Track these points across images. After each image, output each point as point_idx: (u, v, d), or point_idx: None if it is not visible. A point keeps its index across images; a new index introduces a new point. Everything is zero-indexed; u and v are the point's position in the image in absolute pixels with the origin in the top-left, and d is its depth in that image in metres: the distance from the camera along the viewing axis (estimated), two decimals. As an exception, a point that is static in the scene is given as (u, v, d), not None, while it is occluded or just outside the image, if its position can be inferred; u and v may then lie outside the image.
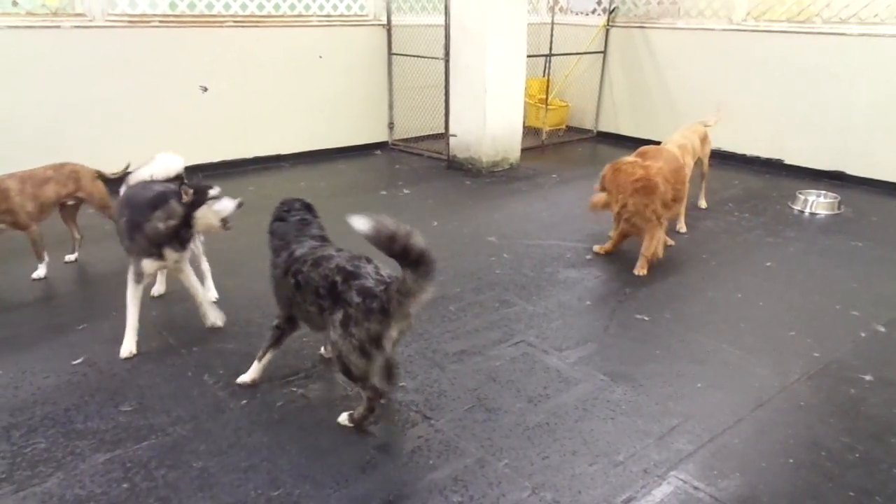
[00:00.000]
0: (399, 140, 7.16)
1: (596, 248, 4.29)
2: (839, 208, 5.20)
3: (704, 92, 6.84)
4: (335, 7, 6.50)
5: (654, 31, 7.21)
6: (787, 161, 6.40)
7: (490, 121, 6.04)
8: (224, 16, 5.82)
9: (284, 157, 6.41)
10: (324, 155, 6.63)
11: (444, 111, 6.43)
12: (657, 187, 3.84)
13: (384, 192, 5.53)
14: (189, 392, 2.61)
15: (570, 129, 8.15)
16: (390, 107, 7.06)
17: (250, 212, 4.83)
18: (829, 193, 5.33)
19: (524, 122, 6.88)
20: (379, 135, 7.10)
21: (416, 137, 7.18)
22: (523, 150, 6.54)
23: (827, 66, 5.96)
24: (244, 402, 2.56)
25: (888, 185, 5.75)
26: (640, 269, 3.92)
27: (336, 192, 5.49)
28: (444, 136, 6.50)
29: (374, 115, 7.00)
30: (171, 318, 3.24)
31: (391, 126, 7.13)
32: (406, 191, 5.57)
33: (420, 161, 6.63)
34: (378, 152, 6.96)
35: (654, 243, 3.92)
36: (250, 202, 5.06)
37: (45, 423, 2.41)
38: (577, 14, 8.00)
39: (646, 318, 3.37)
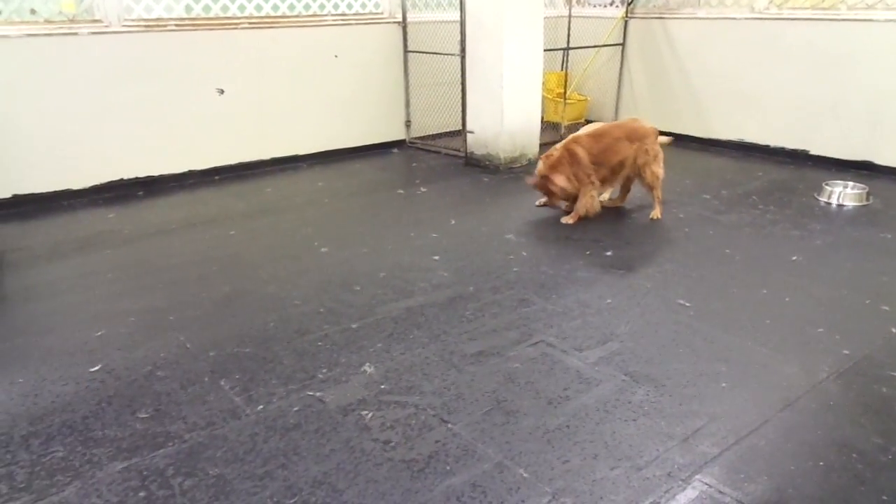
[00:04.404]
0: (416, 138, 7.12)
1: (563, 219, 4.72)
2: (868, 199, 5.06)
3: (726, 82, 6.71)
4: (350, 6, 6.48)
5: (674, 21, 7.08)
6: (813, 151, 6.24)
7: (507, 116, 5.98)
8: (239, 18, 5.82)
9: (302, 157, 6.40)
10: (341, 155, 6.62)
11: (461, 108, 6.38)
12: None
13: (401, 191, 5.50)
14: (205, 398, 2.60)
15: (589, 122, 8.04)
16: (407, 105, 7.02)
17: (266, 213, 4.90)
18: (857, 184, 5.18)
19: (542, 117, 6.79)
20: (396, 133, 7.07)
21: (433, 135, 7.14)
22: (542, 146, 6.47)
23: (853, 53, 5.79)
24: (260, 407, 2.55)
25: (919, 174, 5.60)
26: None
27: (354, 192, 5.48)
28: (461, 133, 6.45)
29: (390, 113, 6.97)
30: (189, 322, 3.23)
31: (408, 124, 7.09)
32: (423, 189, 5.54)
33: (437, 159, 6.59)
34: (395, 151, 6.94)
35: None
36: (267, 204, 5.14)
37: (64, 431, 2.41)
38: (594, 6, 7.88)
39: (667, 316, 3.30)
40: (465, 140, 6.36)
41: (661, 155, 4.67)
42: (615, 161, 4.56)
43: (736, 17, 6.52)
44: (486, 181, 5.79)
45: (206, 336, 3.08)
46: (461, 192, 5.47)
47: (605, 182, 4.64)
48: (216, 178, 5.83)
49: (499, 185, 5.68)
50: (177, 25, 5.47)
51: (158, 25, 5.37)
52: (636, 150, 4.58)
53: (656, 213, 4.72)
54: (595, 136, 4.64)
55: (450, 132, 6.96)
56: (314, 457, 2.27)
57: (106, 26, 5.09)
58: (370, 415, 2.50)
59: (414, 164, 6.43)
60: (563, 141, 4.69)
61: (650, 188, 4.71)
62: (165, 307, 3.37)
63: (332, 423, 2.45)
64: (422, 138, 7.12)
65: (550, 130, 7.34)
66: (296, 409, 2.54)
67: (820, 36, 5.96)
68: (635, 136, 4.59)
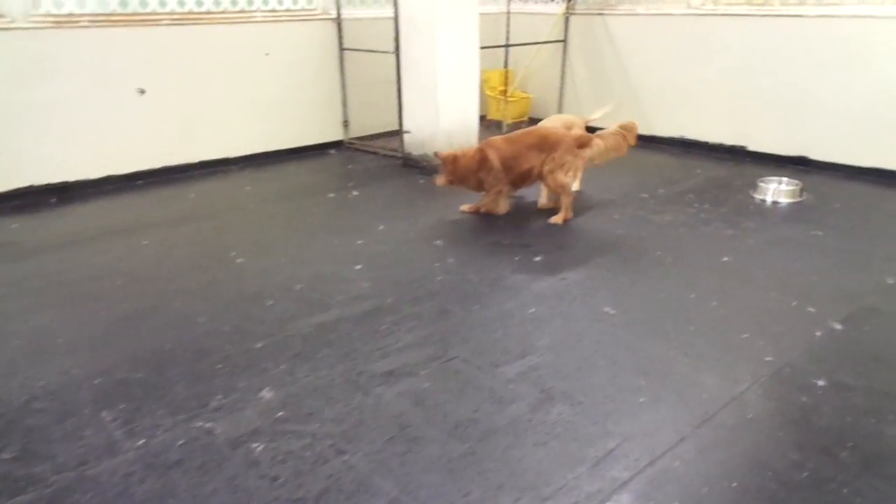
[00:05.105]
0: (355, 138, 6.91)
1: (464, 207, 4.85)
2: (801, 195, 5.04)
3: (666, 79, 6.67)
4: (280, 1, 6.23)
5: (614, 17, 7.01)
6: (751, 147, 6.23)
7: (443, 116, 5.81)
8: (160, 13, 5.53)
9: (232, 160, 6.14)
10: (275, 157, 6.38)
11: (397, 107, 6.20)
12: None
13: (332, 195, 5.29)
14: (82, 433, 2.38)
15: (532, 120, 7.93)
16: (344, 104, 6.80)
17: (185, 221, 4.65)
18: (791, 180, 5.16)
19: (486, 116, 6.65)
20: (333, 133, 6.85)
21: (372, 135, 6.94)
22: (481, 145, 6.32)
23: (786, 48, 5.79)
24: (141, 441, 2.33)
25: (850, 169, 5.61)
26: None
27: (282, 197, 5.25)
28: (399, 133, 6.27)
29: (327, 113, 6.74)
30: (79, 344, 2.99)
31: (346, 124, 6.87)
32: (355, 192, 5.34)
33: (375, 160, 6.40)
34: (332, 152, 6.72)
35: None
36: (188, 211, 4.88)
37: None
38: (535, 2, 7.78)
39: (591, 326, 3.18)
40: (402, 140, 6.18)
41: (570, 165, 4.52)
42: (524, 168, 4.58)
43: (673, 14, 6.48)
44: (422, 183, 5.62)
45: (95, 360, 2.84)
46: (394, 195, 5.30)
47: (514, 185, 4.72)
48: (138, 183, 5.54)
49: (434, 187, 5.48)
50: (90, 22, 5.16)
51: (70, 22, 5.06)
52: (545, 159, 4.52)
53: (557, 218, 4.61)
54: (510, 140, 4.66)
55: (389, 132, 6.76)
56: (192, 499, 2.08)
57: (9, 22, 4.76)
58: (261, 447, 2.31)
59: (350, 166, 6.23)
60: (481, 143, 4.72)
61: (556, 195, 4.71)
62: (56, 328, 3.13)
63: (218, 459, 2.26)
64: (361, 138, 6.92)
65: (494, 129, 7.21)
66: (181, 442, 2.33)
67: (754, 31, 5.95)
68: (546, 144, 4.54)
